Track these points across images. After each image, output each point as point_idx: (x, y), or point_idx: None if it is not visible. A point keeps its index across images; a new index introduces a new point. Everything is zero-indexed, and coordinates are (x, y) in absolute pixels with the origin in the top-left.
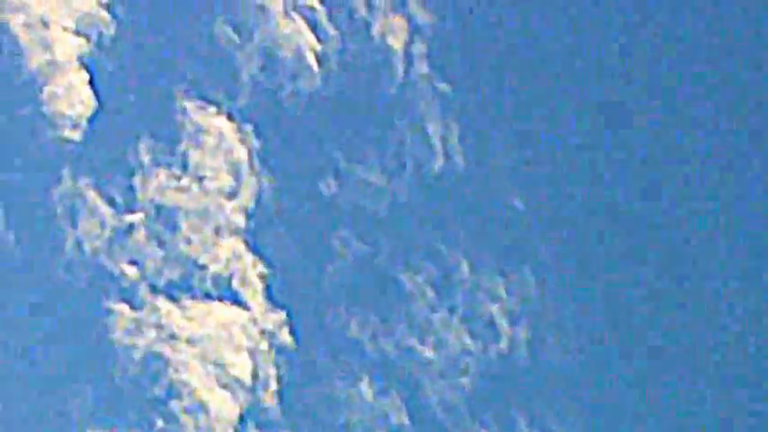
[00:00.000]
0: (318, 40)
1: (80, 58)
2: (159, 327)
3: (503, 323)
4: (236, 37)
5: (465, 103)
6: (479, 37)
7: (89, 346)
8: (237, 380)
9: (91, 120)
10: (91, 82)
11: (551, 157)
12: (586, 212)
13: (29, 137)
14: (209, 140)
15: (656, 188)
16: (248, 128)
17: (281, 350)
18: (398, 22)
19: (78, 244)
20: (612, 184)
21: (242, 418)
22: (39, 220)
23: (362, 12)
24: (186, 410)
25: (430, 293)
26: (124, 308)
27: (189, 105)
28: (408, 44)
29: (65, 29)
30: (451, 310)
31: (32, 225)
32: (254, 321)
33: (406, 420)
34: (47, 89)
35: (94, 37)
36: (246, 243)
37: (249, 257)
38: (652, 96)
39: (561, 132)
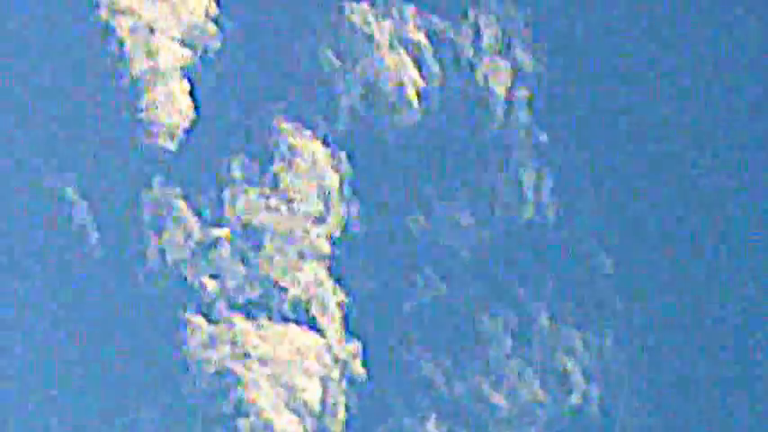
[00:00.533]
0: (421, 76)
1: (183, 69)
2: (234, 343)
3: (577, 378)
4: (339, 63)
5: (562, 155)
6: (584, 89)
7: (162, 356)
8: (306, 405)
9: (187, 131)
10: (191, 93)
11: (644, 221)
12: (673, 280)
13: (124, 142)
14: (302, 164)
15: (747, 260)
16: (342, 155)
17: (352, 380)
18: (503, 66)
19: (161, 253)
20: (704, 254)
21: None
22: (124, 224)
23: (468, 52)
24: (252, 430)
25: (507, 340)
26: (201, 321)
27: (285, 126)
28: (511, 89)
29: (171, 38)
30: (527, 360)
31: (118, 229)
32: (329, 349)
33: None
34: (146, 96)
35: (199, 49)
36: (329, 270)
37: (330, 284)
38: (760, 168)
39: (658, 198)
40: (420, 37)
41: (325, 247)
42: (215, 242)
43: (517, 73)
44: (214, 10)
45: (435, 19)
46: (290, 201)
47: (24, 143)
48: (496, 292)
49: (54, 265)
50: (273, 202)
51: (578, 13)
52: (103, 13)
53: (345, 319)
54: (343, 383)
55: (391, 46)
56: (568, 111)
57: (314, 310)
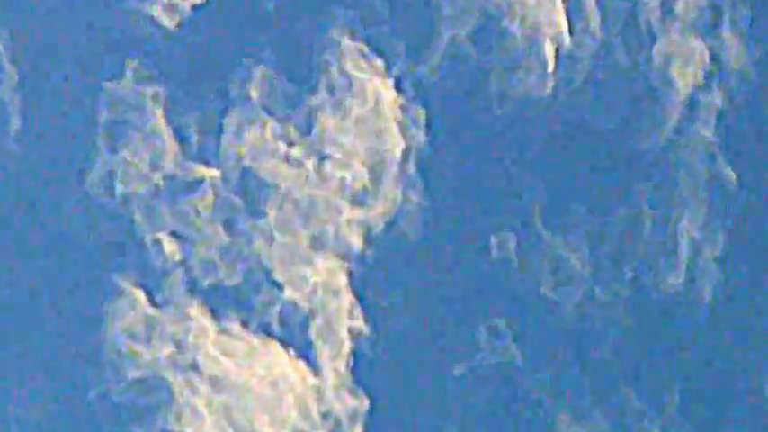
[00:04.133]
0: (570, 27)
1: None
2: (179, 345)
3: None
4: None
5: (746, 211)
6: None
7: (70, 332)
8: None
9: (197, 6)
10: None
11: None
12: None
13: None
14: (357, 107)
15: None
16: (419, 112)
17: None
18: (697, 47)
19: (108, 177)
20: None
21: None
22: (65, 120)
23: (652, 12)
24: None
25: None
26: (140, 296)
27: (345, 43)
28: (699, 87)
29: None
30: None
31: (53, 124)
32: (320, 394)
33: None
34: None
35: None
36: (351, 277)
37: (347, 299)
38: None
39: None
40: None
41: (356, 242)
42: (194, 185)
43: (715, 65)
44: None
45: None
46: (321, 157)
47: None
48: (593, 387)
49: None
50: (298, 150)
51: None
52: None
53: (356, 358)
54: None
55: None
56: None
57: (313, 331)
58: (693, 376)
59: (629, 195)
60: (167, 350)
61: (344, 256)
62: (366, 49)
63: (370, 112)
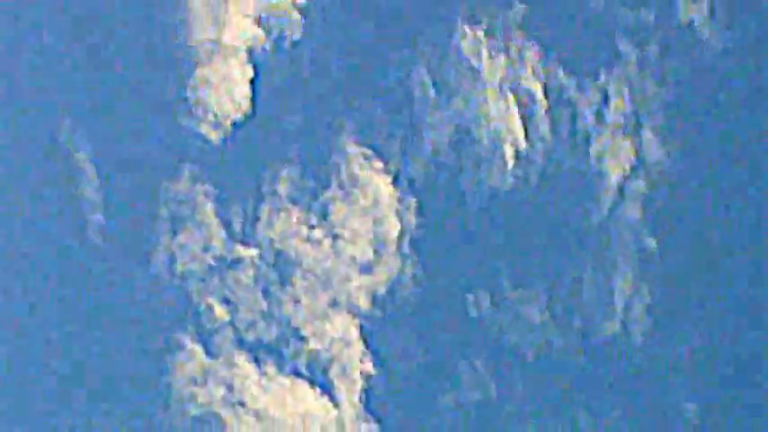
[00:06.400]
0: (526, 135)
1: (250, 52)
2: (229, 387)
3: None
4: (433, 94)
5: (668, 270)
6: (710, 194)
7: (141, 381)
8: None
9: (236, 124)
10: (252, 82)
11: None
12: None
13: (160, 117)
14: (362, 199)
15: None
16: (411, 202)
17: None
18: (624, 147)
19: (171, 258)
20: None
21: None
22: (136, 213)
23: (589, 120)
24: None
25: None
26: (197, 350)
27: (353, 150)
28: (627, 178)
29: (245, 13)
30: None
31: (127, 217)
32: (340, 424)
33: None
34: (200, 71)
35: (275, 34)
36: (362, 331)
37: (359, 348)
38: None
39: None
40: (536, 87)
41: (364, 303)
42: (237, 262)
43: (639, 160)
44: None
45: (560, 71)
46: (336, 237)
47: (43, 91)
48: (553, 411)
49: (43, 242)
50: (317, 233)
51: (725, 106)
52: None
53: (367, 393)
54: None
55: (500, 89)
56: (687, 217)
57: (333, 374)
58: (625, 406)
59: (574, 262)
60: (220, 392)
61: (355, 314)
62: (369, 153)
63: (373, 201)
